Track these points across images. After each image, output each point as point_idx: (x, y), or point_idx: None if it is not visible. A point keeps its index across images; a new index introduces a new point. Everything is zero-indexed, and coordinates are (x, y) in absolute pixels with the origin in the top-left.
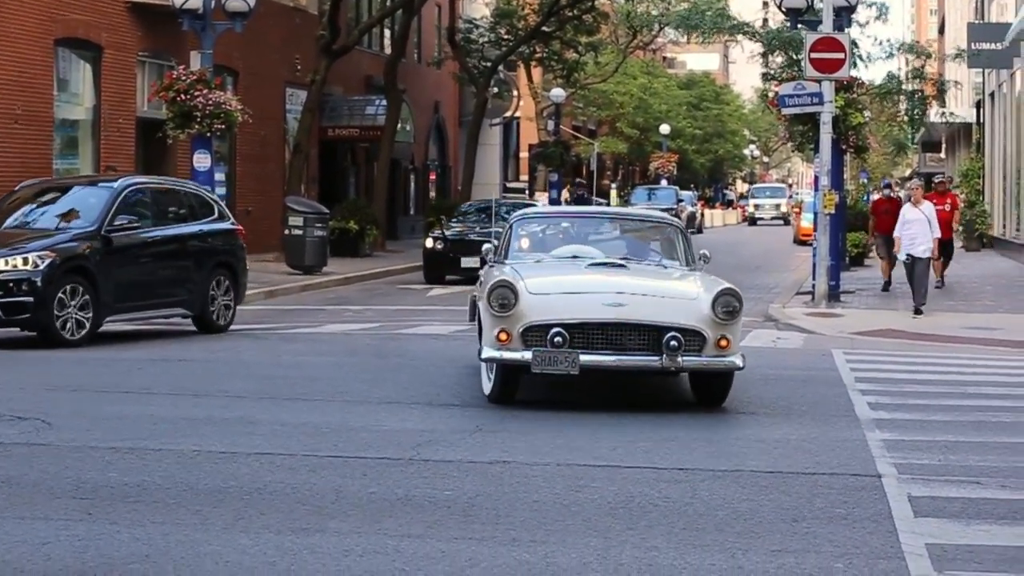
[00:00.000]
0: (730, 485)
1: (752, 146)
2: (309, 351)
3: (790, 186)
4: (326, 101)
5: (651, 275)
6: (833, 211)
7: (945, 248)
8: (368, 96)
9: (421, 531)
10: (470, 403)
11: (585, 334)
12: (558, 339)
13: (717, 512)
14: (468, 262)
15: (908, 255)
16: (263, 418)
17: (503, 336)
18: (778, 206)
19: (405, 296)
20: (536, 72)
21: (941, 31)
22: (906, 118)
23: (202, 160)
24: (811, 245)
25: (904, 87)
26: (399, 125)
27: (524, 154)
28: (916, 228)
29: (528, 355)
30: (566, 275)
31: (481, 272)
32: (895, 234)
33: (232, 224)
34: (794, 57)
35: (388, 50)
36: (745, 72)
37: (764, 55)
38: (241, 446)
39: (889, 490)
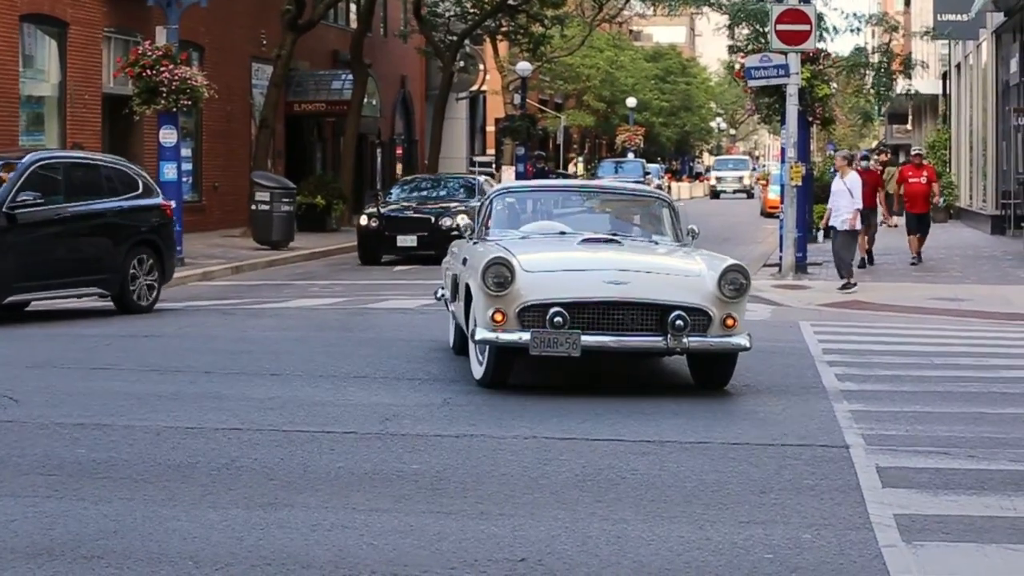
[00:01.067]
0: (698, 457)
1: (719, 119)
2: (276, 326)
3: (757, 159)
4: (292, 76)
5: (649, 251)
6: (800, 183)
7: (921, 223)
8: (334, 71)
9: (389, 505)
10: (437, 377)
11: (585, 314)
12: (558, 319)
13: (685, 484)
14: (405, 241)
15: (831, 227)
16: (230, 393)
17: (498, 317)
18: (741, 179)
19: (371, 271)
20: (502, 46)
21: (907, 3)
22: (872, 91)
23: (168, 136)
24: (778, 217)
25: (871, 61)
26: (365, 99)
27: (491, 128)
28: (837, 200)
29: (526, 336)
30: (561, 252)
31: (455, 249)
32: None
33: (158, 200)
34: (760, 29)
35: (354, 24)
36: (711, 44)
37: (730, 27)
38: (208, 421)
39: (857, 461)
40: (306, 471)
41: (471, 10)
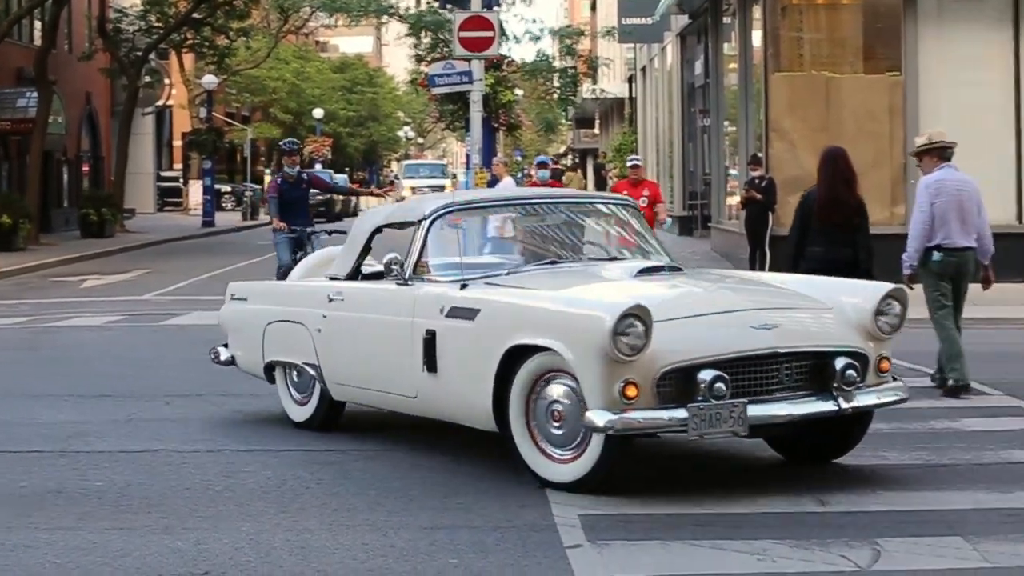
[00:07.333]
0: (383, 465)
1: (407, 128)
2: None
3: (446, 166)
4: None
5: (741, 281)
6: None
7: None
8: (19, 88)
9: (72, 523)
10: (123, 393)
11: (739, 373)
12: (719, 385)
13: (369, 491)
14: None
15: None
16: None
17: (631, 391)
18: (442, 188)
19: (59, 289)
20: (188, 59)
21: (594, 8)
22: (556, 96)
23: None
24: None
25: (555, 65)
26: (51, 117)
27: (178, 142)
28: None
29: (680, 414)
30: (640, 291)
31: (352, 290)
32: None
33: None
34: (441, 38)
35: (39, 41)
36: (398, 54)
37: (412, 35)
38: None
39: None
40: None
41: (156, 24)
